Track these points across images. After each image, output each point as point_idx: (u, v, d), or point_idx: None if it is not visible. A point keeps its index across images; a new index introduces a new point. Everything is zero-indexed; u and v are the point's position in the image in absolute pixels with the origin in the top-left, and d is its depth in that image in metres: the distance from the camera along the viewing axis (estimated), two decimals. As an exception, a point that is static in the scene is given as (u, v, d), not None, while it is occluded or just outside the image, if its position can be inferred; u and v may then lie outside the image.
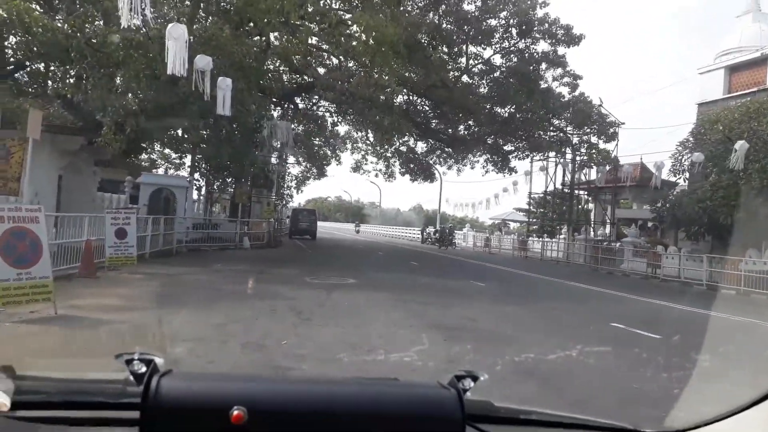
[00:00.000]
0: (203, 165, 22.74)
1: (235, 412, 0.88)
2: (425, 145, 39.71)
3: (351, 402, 0.99)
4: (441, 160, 40.62)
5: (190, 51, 13.86)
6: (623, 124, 30.03)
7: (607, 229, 36.88)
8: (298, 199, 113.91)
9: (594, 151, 28.78)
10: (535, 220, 59.09)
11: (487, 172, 34.61)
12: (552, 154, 32.55)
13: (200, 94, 16.29)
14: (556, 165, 33.08)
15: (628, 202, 40.12)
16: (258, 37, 20.90)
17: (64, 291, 8.13)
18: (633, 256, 28.76)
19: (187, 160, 28.49)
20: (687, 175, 24.81)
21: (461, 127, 30.14)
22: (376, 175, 43.65)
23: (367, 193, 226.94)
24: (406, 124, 23.56)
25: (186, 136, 17.60)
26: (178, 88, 17.02)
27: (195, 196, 32.04)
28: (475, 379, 1.03)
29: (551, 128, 28.30)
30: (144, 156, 39.53)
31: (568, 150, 29.84)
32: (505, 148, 30.36)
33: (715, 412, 1.11)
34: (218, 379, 1.08)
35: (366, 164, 43.45)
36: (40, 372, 1.24)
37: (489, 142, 29.67)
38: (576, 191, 35.44)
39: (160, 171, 35.47)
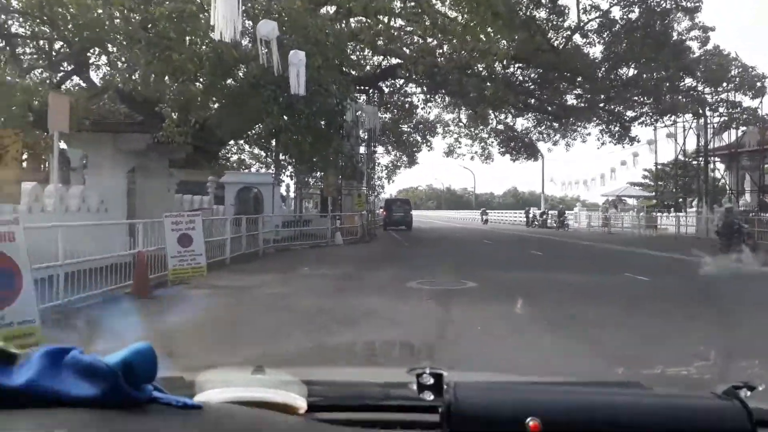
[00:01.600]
0: (287, 157, 20.60)
1: (532, 423, 0.88)
2: (525, 121, 35.88)
3: (632, 412, 0.96)
4: (545, 135, 36.57)
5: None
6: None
7: (747, 198, 31.30)
8: (389, 190, 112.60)
9: (737, 110, 23.82)
10: (654, 193, 53.26)
11: (603, 144, 30.25)
12: (683, 117, 27.73)
13: (272, 75, 14.15)
14: (687, 130, 28.19)
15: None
16: (334, 11, 18.54)
17: (90, 323, 6.01)
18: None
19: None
20: None
21: (571, 95, 26.08)
22: (472, 158, 40.50)
23: (459, 179, 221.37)
24: (510, 93, 20.23)
25: (260, 126, 15.40)
26: (246, 69, 14.95)
27: (284, 191, 30.81)
28: (751, 388, 0.97)
29: (683, 88, 23.59)
30: (234, 157, 39.11)
31: (707, 111, 24.90)
32: (627, 114, 25.84)
33: None
34: (510, 389, 1.08)
35: (459, 147, 40.28)
36: (323, 377, 1.34)
37: (606, 109, 25.40)
38: (711, 158, 30.18)
39: (253, 171, 34.43)
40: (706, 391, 1.01)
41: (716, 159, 31.06)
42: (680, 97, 22.61)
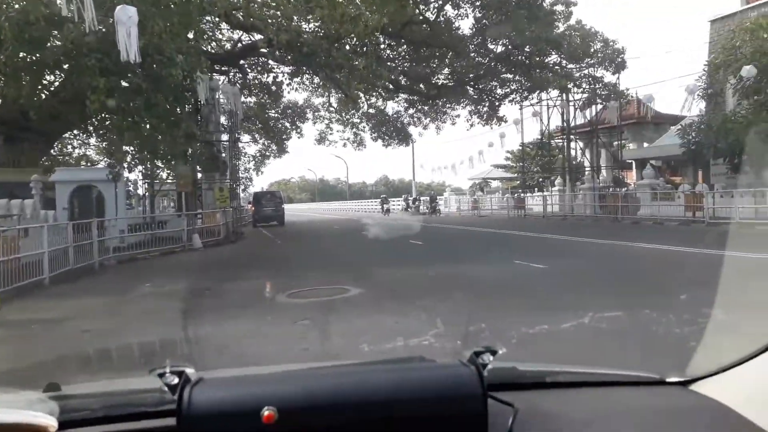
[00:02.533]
0: (131, 148, 17.31)
1: (266, 413, 0.89)
2: (396, 105, 34.90)
3: (377, 389, 0.99)
4: (416, 119, 35.89)
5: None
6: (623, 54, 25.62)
7: (604, 174, 32.93)
8: (260, 183, 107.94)
9: (599, 85, 24.32)
10: (516, 174, 55.33)
11: (472, 125, 30.04)
12: (547, 95, 28.10)
13: (98, 41, 11.30)
14: (551, 108, 28.68)
15: (624, 143, 36.08)
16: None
17: None
18: (651, 201, 24.89)
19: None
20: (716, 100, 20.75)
21: (444, 73, 25.15)
22: (344, 145, 38.90)
23: (332, 169, 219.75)
24: (384, 69, 18.66)
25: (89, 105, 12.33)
26: (62, 33, 11.87)
27: (136, 189, 26.97)
28: (494, 353, 1.03)
29: (550, 63, 23.52)
30: (77, 152, 33.83)
31: (571, 87, 25.18)
32: (499, 91, 25.44)
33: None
34: (249, 382, 1.07)
35: (331, 134, 38.46)
36: (83, 388, 1.33)
37: (478, 87, 24.79)
38: (568, 137, 31.10)
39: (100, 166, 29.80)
40: (455, 359, 1.04)
41: (575, 137, 32.18)
42: (548, 72, 22.45)
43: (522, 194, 34.31)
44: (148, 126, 12.37)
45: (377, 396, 0.98)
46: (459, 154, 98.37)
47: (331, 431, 0.95)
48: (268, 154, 40.79)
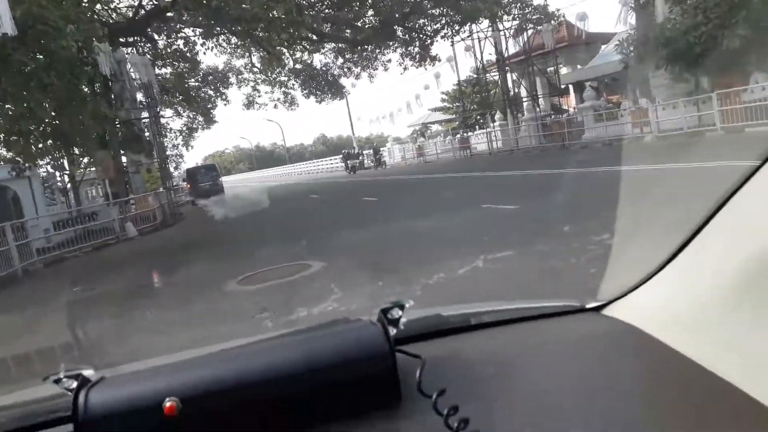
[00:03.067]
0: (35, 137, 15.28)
1: (168, 404, 0.86)
2: (324, 57, 33.12)
3: (284, 363, 0.95)
4: (346, 70, 34.28)
5: None
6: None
7: (542, 103, 32.58)
8: (193, 158, 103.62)
9: (529, 9, 23.45)
10: (455, 115, 54.70)
11: (405, 69, 28.86)
12: (477, 27, 27.06)
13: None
14: (483, 41, 27.69)
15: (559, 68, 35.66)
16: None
17: None
18: (596, 122, 24.71)
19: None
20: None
21: (368, 16, 23.59)
22: (276, 107, 36.98)
23: (267, 133, 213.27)
24: (306, 17, 17.11)
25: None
26: None
27: (60, 183, 24.64)
28: (401, 307, 1.00)
29: None
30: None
31: (505, 14, 24.15)
32: (429, 29, 24.11)
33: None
34: (150, 375, 1.01)
35: (259, 96, 36.40)
36: None
37: (407, 27, 23.42)
38: (504, 68, 30.34)
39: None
40: (365, 319, 1.02)
41: (509, 69, 31.45)
42: (477, 2, 21.28)
43: (465, 134, 33.67)
44: (48, 108, 10.65)
45: (284, 370, 0.93)
46: (396, 102, 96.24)
47: (239, 415, 0.91)
48: (195, 126, 38.40)
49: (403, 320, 0.98)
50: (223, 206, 26.33)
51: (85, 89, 12.13)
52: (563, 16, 24.45)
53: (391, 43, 27.46)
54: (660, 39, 18.36)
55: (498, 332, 1.23)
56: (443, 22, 23.36)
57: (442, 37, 24.64)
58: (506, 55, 29.12)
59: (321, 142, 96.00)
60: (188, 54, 30.78)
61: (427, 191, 16.26)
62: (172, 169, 47.70)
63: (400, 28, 23.12)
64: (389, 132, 65.94)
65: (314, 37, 30.00)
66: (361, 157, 42.96)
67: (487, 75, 32.60)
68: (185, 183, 33.84)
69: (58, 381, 0.94)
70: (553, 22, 24.10)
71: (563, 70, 34.01)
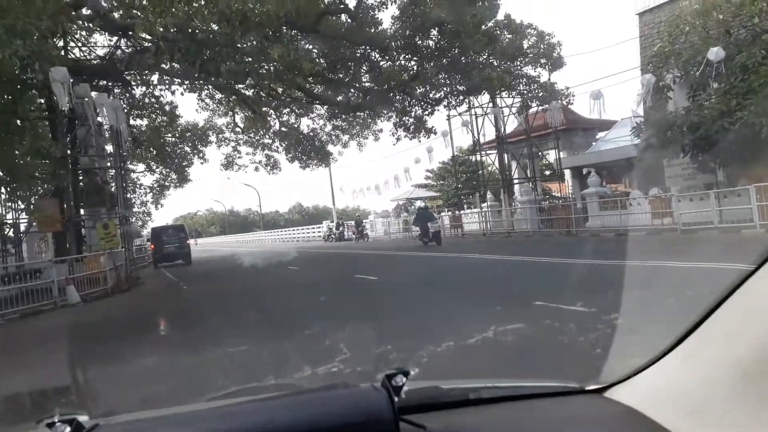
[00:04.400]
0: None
1: None
2: (312, 122, 31.43)
3: (286, 423, 0.93)
4: (334, 137, 32.58)
5: None
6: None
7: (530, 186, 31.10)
8: (162, 217, 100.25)
9: (535, 86, 22.17)
10: (438, 194, 53.40)
11: (398, 139, 27.07)
12: (477, 102, 25.76)
13: None
14: (481, 117, 26.26)
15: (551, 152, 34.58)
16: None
17: None
18: (601, 210, 23.08)
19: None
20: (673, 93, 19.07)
21: (366, 78, 21.91)
22: (256, 169, 34.75)
23: (242, 198, 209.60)
24: (304, 59, 15.18)
25: None
26: None
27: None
28: (406, 374, 1.00)
29: (483, 64, 20.89)
30: None
31: (508, 90, 22.67)
32: (431, 96, 22.39)
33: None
34: (146, 426, 1.01)
35: (240, 157, 34.37)
36: None
37: (407, 92, 21.77)
38: (503, 146, 28.97)
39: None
40: (368, 383, 1.01)
41: (506, 148, 30.06)
42: (488, 70, 19.72)
43: (456, 212, 31.84)
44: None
45: (285, 429, 0.92)
46: (382, 175, 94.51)
47: None
48: (167, 184, 35.84)
49: (405, 389, 0.98)
50: (189, 271, 23.40)
51: (25, 120, 9.62)
52: (572, 96, 23.18)
53: (385, 112, 25.89)
54: (684, 125, 16.95)
55: (498, 409, 1.23)
56: (447, 91, 21.69)
57: (446, 106, 22.97)
58: (505, 133, 27.82)
59: (297, 211, 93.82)
60: (167, 107, 28.79)
61: (438, 273, 13.78)
62: (138, 228, 44.71)
63: (399, 95, 21.38)
64: (367, 205, 64.05)
65: (304, 99, 28.42)
66: (341, 228, 40.70)
67: (478, 154, 31.15)
68: (150, 243, 30.86)
69: (51, 425, 0.92)
70: (561, 100, 22.77)
71: (561, 154, 32.93)
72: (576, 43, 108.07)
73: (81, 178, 21.07)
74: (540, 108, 24.29)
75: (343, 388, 1.07)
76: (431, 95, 22.01)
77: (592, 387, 1.24)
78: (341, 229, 40.40)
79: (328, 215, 63.06)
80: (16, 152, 8.95)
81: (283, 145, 32.02)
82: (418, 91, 22.15)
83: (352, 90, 21.92)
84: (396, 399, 0.95)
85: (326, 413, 0.93)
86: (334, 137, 32.75)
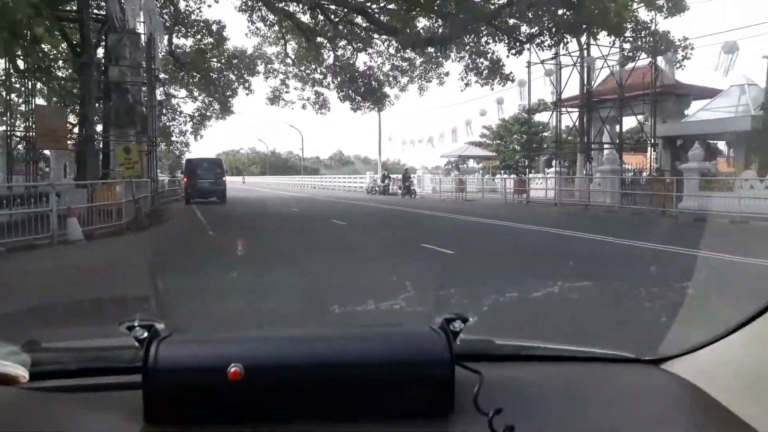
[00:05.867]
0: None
1: (232, 369, 0.89)
2: (369, 57, 28.08)
3: (345, 351, 0.99)
4: (391, 78, 29.21)
5: None
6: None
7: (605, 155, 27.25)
8: (203, 151, 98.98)
9: (646, 32, 18.22)
10: (495, 154, 49.51)
11: (467, 84, 23.60)
12: (565, 49, 21.91)
13: None
14: (574, 65, 22.50)
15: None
16: None
17: None
18: (700, 190, 19.33)
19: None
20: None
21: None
22: (304, 107, 31.79)
23: (285, 141, 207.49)
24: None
25: None
26: None
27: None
28: (464, 320, 1.03)
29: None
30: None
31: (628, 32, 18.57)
32: (522, 29, 18.54)
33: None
34: (217, 340, 1.07)
35: (287, 92, 31.40)
36: (59, 342, 1.33)
37: (492, 25, 18.09)
38: (590, 102, 25.13)
39: None
40: (425, 325, 1.03)
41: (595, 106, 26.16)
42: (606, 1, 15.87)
43: (521, 176, 28.38)
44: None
45: (345, 358, 0.97)
46: (437, 127, 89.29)
47: (296, 390, 0.94)
48: (209, 114, 33.30)
49: (461, 336, 0.99)
50: (222, 210, 20.92)
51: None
52: (691, 48, 19.07)
53: (458, 51, 22.35)
54: None
55: (552, 367, 1.23)
56: (544, 26, 17.78)
57: (538, 45, 19.14)
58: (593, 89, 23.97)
59: (337, 159, 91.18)
60: (214, 26, 25.90)
61: (536, 252, 10.59)
62: (176, 157, 42.57)
63: (484, 26, 17.70)
64: (409, 160, 60.46)
65: (363, 30, 25.07)
66: (387, 181, 37.69)
67: (564, 109, 27.26)
68: (183, 176, 28.53)
69: (131, 328, 0.96)
70: (680, 52, 18.75)
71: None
72: None
73: (112, 92, 18.61)
74: (645, 61, 20.32)
75: (404, 327, 1.13)
76: (521, 30, 18.25)
77: (648, 358, 1.23)
78: (387, 182, 37.33)
79: (368, 167, 60.15)
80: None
81: (335, 82, 28.94)
82: (504, 27, 18.44)
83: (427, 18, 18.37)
84: (456, 343, 0.97)
85: (384, 347, 0.97)
86: (391, 78, 29.45)
